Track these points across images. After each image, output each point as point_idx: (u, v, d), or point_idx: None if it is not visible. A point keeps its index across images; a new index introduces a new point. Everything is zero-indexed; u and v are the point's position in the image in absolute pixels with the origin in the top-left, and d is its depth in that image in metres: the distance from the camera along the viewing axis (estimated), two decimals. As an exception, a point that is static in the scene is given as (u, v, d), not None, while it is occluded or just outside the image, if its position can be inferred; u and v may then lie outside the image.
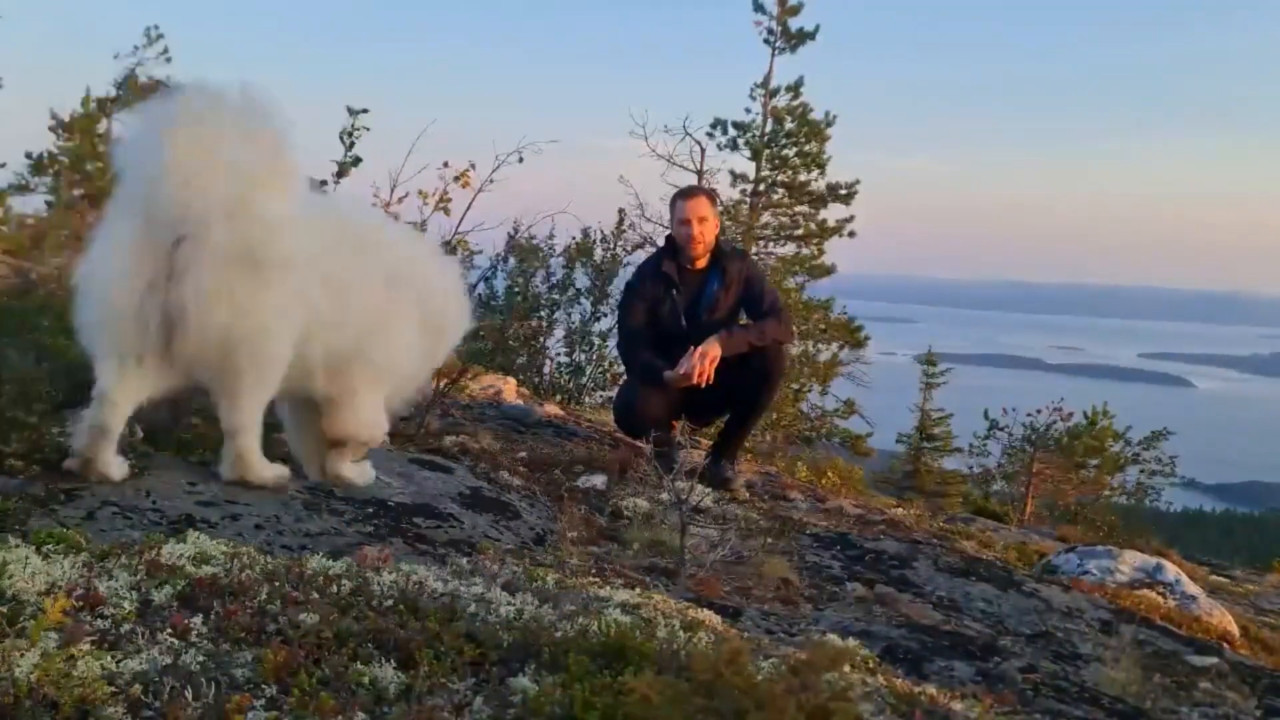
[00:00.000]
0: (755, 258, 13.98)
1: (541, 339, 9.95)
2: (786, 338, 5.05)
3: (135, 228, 2.52)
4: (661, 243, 5.09)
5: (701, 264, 4.79)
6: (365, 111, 4.28)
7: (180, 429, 3.47)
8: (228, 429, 2.79)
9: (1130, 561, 4.32)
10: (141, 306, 2.51)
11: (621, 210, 12.01)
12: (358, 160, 4.37)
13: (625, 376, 5.43)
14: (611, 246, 10.98)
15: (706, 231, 4.72)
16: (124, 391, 2.62)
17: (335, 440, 3.13)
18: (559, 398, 9.08)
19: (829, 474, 7.87)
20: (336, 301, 2.85)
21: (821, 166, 15.81)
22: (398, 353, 3.11)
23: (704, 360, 4.38)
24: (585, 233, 10.78)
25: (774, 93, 15.73)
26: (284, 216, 2.60)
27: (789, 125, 15.74)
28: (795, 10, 15.56)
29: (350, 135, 4.29)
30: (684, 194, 4.86)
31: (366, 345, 3.00)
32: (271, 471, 2.93)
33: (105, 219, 2.68)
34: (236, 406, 2.74)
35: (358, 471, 3.23)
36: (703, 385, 4.40)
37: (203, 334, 2.54)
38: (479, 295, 5.27)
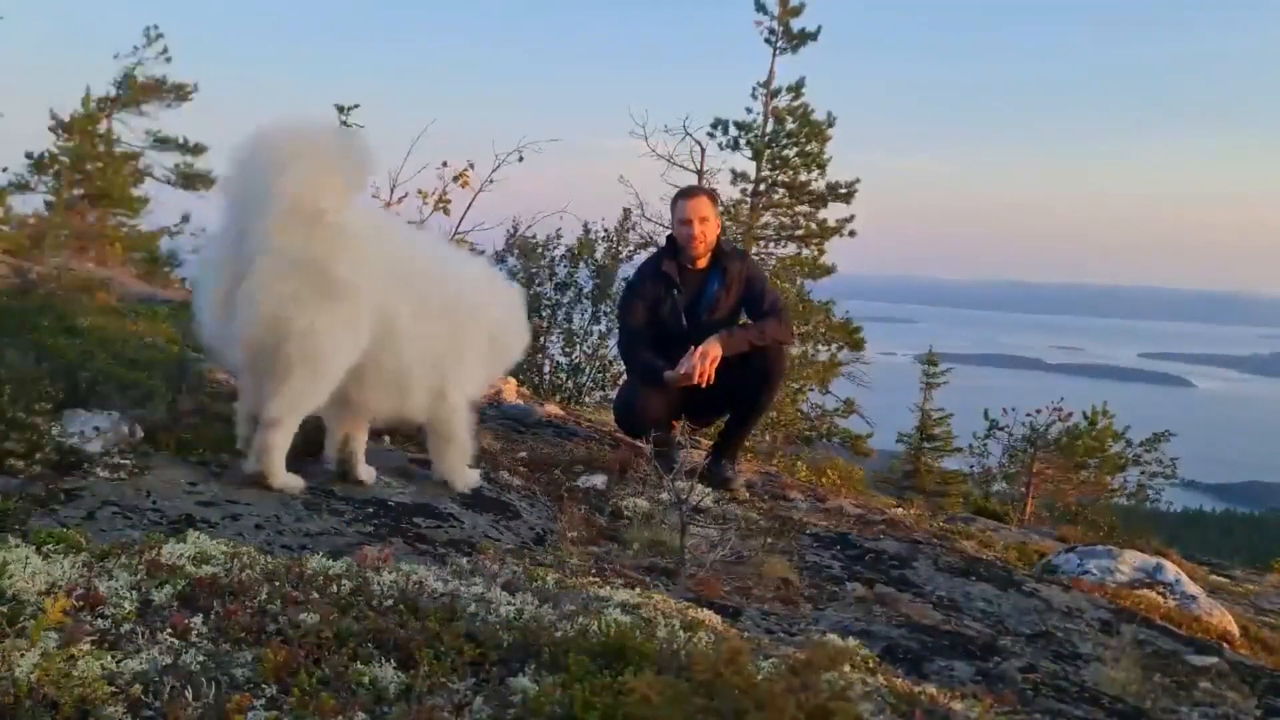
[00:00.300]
0: (756, 258, 13.99)
1: (541, 339, 9.95)
2: (787, 338, 5.05)
3: (227, 248, 2.76)
4: (662, 243, 5.09)
5: (702, 264, 4.79)
6: (356, 107, 4.28)
7: (180, 429, 3.47)
8: (264, 419, 2.89)
9: (1130, 561, 4.32)
10: (218, 317, 2.76)
11: (627, 209, 11.98)
12: None
13: (625, 376, 5.43)
14: (615, 245, 10.96)
15: (708, 231, 4.72)
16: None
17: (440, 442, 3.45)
18: (559, 398, 9.08)
19: (829, 474, 7.87)
20: (404, 323, 3.03)
21: (822, 166, 15.82)
22: (462, 371, 3.33)
23: (704, 360, 4.38)
24: (586, 229, 10.77)
25: (775, 93, 15.73)
26: (356, 238, 2.81)
27: (790, 125, 15.74)
28: (797, 11, 15.56)
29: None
30: (685, 194, 4.86)
31: (435, 364, 3.20)
32: (289, 480, 3.01)
33: (204, 246, 3.04)
34: (278, 398, 2.85)
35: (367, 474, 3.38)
36: (703, 385, 4.40)
37: (258, 327, 2.71)
38: None
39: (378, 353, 2.98)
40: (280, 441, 2.92)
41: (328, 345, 2.81)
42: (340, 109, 4.28)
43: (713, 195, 5.00)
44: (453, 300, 3.24)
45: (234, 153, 2.80)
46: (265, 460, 2.92)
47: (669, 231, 5.05)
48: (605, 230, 11.06)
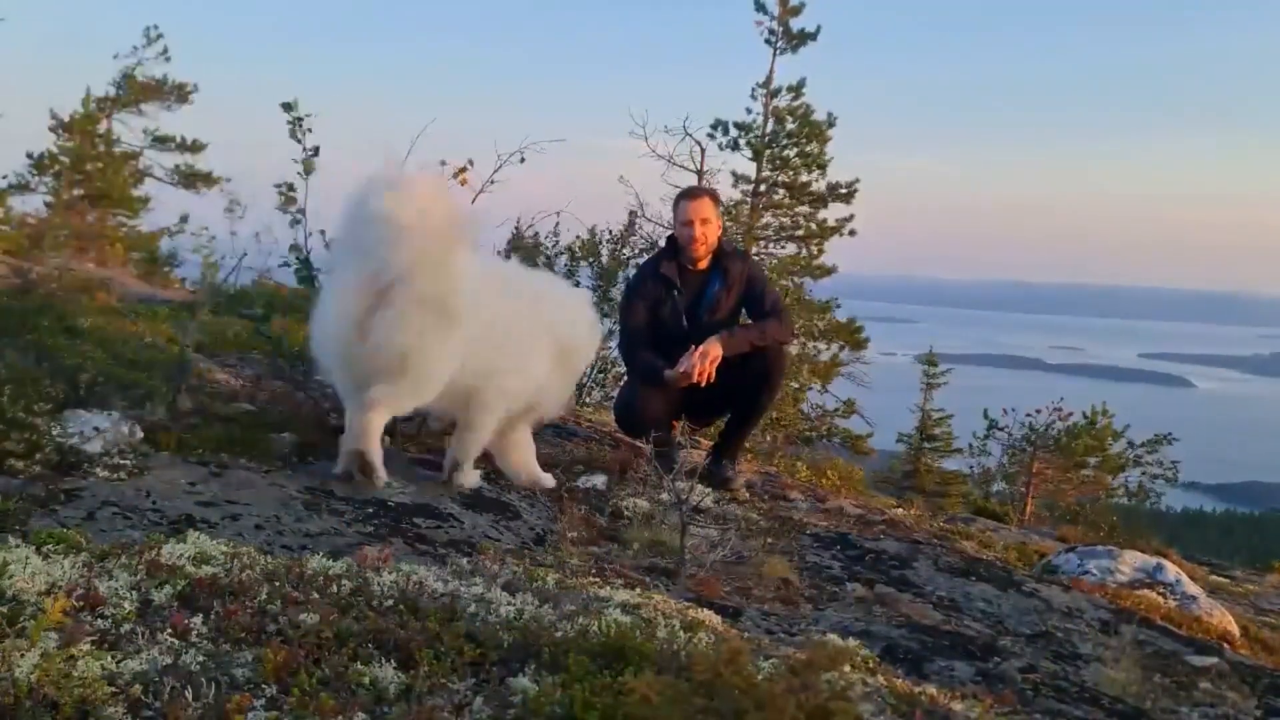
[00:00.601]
0: (756, 258, 13.97)
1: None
2: (787, 338, 5.05)
3: (353, 278, 3.18)
4: (662, 243, 5.09)
5: (703, 265, 4.79)
6: (295, 104, 4.27)
7: (180, 429, 3.47)
8: (367, 399, 3.27)
9: (1130, 561, 4.32)
10: (353, 336, 3.16)
11: (633, 212, 11.93)
12: (316, 150, 4.35)
13: (626, 377, 5.43)
14: (619, 247, 10.93)
15: (709, 233, 4.71)
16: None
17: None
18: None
19: (829, 474, 7.86)
20: (493, 341, 3.52)
21: (822, 167, 15.80)
22: (541, 376, 3.80)
23: (704, 360, 4.38)
24: (592, 233, 10.74)
25: (775, 93, 15.71)
26: (466, 274, 3.27)
27: (790, 125, 15.72)
28: (797, 11, 15.54)
29: (299, 130, 4.26)
30: (687, 195, 4.86)
31: (516, 370, 3.67)
32: (378, 455, 3.33)
33: (331, 273, 3.52)
34: (386, 386, 3.25)
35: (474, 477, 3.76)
36: (703, 384, 4.40)
37: (388, 351, 3.15)
38: None
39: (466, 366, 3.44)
40: (377, 423, 3.30)
41: (438, 365, 3.30)
42: (286, 107, 4.26)
43: (714, 196, 4.99)
44: (531, 318, 3.73)
45: (363, 199, 3.19)
46: (364, 439, 3.28)
47: (669, 232, 5.04)
48: (610, 232, 11.03)
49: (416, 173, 3.35)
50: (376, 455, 3.32)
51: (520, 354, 3.67)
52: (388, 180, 3.22)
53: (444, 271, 3.19)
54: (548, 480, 4.00)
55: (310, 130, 4.27)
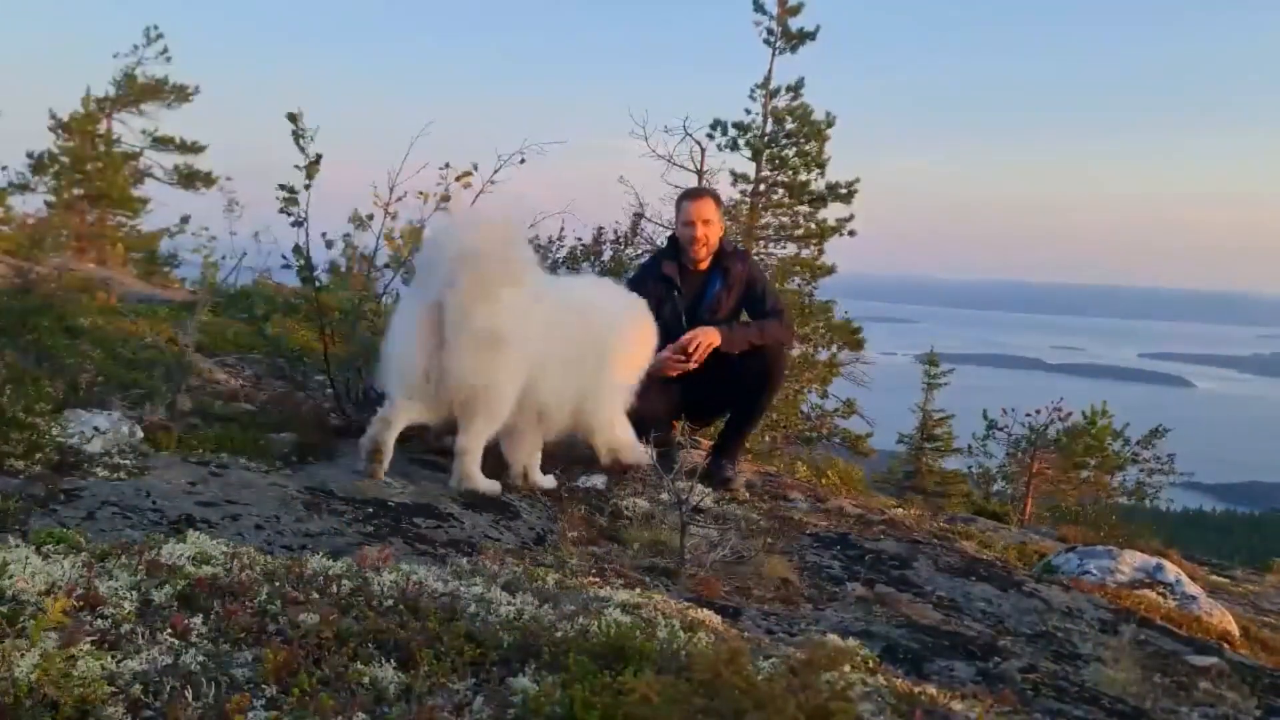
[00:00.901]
0: (756, 258, 13.94)
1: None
2: (787, 339, 5.06)
3: (422, 309, 3.51)
4: (662, 244, 5.09)
5: (704, 265, 4.79)
6: (299, 114, 4.28)
7: (180, 429, 3.47)
8: (459, 449, 3.64)
9: (1130, 561, 4.31)
10: (423, 363, 3.50)
11: (638, 214, 11.91)
12: (319, 158, 4.35)
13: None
14: (623, 248, 10.92)
15: (711, 234, 4.72)
16: (398, 417, 3.57)
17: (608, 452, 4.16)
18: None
19: (829, 474, 7.86)
20: (554, 362, 3.78)
21: (822, 167, 15.78)
22: (604, 384, 4.06)
23: (692, 343, 4.41)
24: (598, 236, 10.73)
25: (774, 93, 15.70)
26: (519, 306, 3.54)
27: (789, 125, 15.71)
28: (795, 10, 15.52)
29: (302, 139, 4.28)
30: (689, 195, 4.86)
31: (579, 389, 3.95)
32: (487, 484, 3.67)
33: (402, 300, 3.82)
34: (469, 434, 3.61)
35: (548, 480, 4.04)
36: (692, 367, 4.43)
37: (457, 384, 3.50)
38: None
39: (531, 389, 3.72)
40: (474, 461, 3.65)
41: (501, 395, 3.60)
42: (291, 118, 4.26)
43: (716, 197, 4.99)
44: (585, 330, 3.96)
45: (434, 239, 3.66)
46: (469, 475, 3.62)
47: (669, 232, 5.04)
48: (615, 233, 11.02)
49: (478, 212, 3.73)
50: (480, 482, 3.65)
51: (574, 368, 3.90)
52: (449, 222, 3.64)
53: (497, 309, 3.47)
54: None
55: (313, 140, 4.29)
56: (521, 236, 3.80)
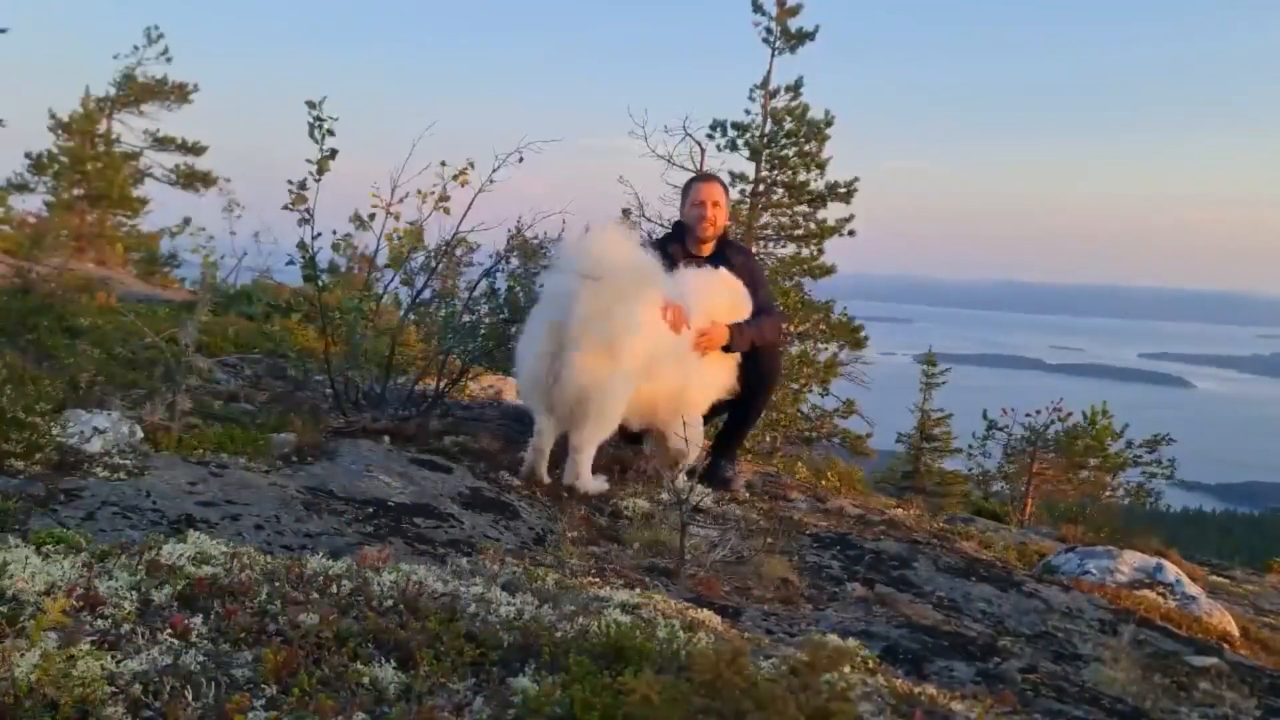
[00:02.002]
0: (756, 258, 13.92)
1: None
2: (781, 339, 5.07)
3: (547, 325, 3.84)
4: (669, 229, 5.08)
5: (707, 250, 4.78)
6: (323, 100, 4.24)
7: (180, 429, 3.47)
8: (573, 446, 3.95)
9: (1130, 561, 4.31)
10: (544, 371, 3.84)
11: (627, 210, 11.93)
12: (334, 153, 4.32)
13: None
14: None
15: (719, 216, 4.72)
16: (546, 441, 3.99)
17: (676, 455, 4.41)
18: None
19: (829, 475, 7.86)
20: (660, 374, 4.09)
21: (821, 166, 15.78)
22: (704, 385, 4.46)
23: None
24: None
25: (773, 93, 15.70)
26: (634, 321, 3.83)
27: (788, 125, 15.71)
28: (794, 11, 15.52)
29: (319, 130, 4.23)
30: (700, 178, 4.88)
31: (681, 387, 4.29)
32: (595, 484, 3.99)
33: (531, 317, 4.11)
34: (582, 435, 3.92)
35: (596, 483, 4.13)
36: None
37: (572, 390, 3.80)
38: (481, 292, 5.26)
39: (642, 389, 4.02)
40: (586, 460, 3.96)
41: (615, 400, 3.89)
42: (311, 105, 4.22)
43: (725, 185, 4.97)
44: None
45: (555, 255, 4.10)
46: (576, 476, 3.94)
47: (670, 231, 5.04)
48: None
49: (599, 230, 3.97)
50: (589, 481, 3.97)
51: (682, 366, 4.21)
52: (573, 241, 4.01)
53: (613, 319, 3.75)
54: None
55: (332, 132, 4.26)
56: (639, 253, 4.01)
